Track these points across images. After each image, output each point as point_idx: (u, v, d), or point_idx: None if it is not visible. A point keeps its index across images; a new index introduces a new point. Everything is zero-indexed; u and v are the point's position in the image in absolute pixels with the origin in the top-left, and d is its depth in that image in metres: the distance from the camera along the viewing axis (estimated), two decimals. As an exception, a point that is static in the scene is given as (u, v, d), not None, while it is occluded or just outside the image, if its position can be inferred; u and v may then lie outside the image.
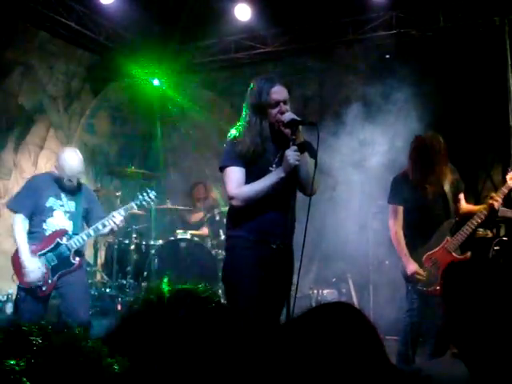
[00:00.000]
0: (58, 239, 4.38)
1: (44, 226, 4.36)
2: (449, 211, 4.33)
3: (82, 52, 7.65)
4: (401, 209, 4.32)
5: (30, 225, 4.38)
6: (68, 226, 4.43)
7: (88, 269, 6.57)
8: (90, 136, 7.88)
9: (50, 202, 4.38)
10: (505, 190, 4.22)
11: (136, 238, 6.78)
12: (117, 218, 4.45)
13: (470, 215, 4.31)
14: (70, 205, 4.46)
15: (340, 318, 1.38)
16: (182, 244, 6.41)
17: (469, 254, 4.23)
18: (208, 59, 7.77)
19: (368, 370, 1.30)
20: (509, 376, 1.72)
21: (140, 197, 4.71)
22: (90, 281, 6.43)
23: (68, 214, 4.44)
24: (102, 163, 8.07)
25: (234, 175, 3.22)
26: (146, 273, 6.42)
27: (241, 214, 3.23)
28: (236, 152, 3.22)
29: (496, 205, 4.17)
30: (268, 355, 1.35)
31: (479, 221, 4.24)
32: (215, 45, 7.64)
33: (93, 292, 6.42)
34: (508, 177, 4.24)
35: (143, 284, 6.39)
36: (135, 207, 4.67)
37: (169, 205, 6.93)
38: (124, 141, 8.39)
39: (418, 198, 4.24)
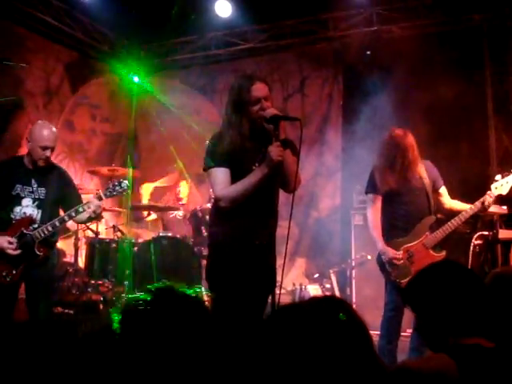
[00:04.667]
0: (23, 228, 4.13)
1: (11, 215, 4.16)
2: (430, 206, 4.36)
3: (60, 48, 7.55)
4: (379, 198, 4.33)
5: None
6: (36, 214, 4.21)
7: (69, 268, 6.52)
8: (69, 133, 7.79)
9: (17, 189, 4.17)
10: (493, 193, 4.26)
11: (117, 236, 6.72)
12: (93, 203, 4.17)
13: (455, 212, 4.35)
14: (41, 191, 4.23)
15: (329, 311, 1.36)
16: (164, 242, 6.37)
17: (444, 253, 4.26)
18: (188, 55, 7.73)
19: (356, 366, 1.29)
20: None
21: (111, 186, 4.38)
22: (69, 279, 6.38)
23: (37, 202, 4.22)
24: (81, 161, 7.98)
25: (219, 176, 3.21)
26: (127, 271, 6.36)
27: (223, 211, 3.22)
28: (218, 151, 3.21)
29: (487, 203, 4.21)
30: (253, 346, 1.33)
31: (463, 219, 4.27)
32: (196, 41, 7.61)
33: (74, 291, 6.35)
34: (493, 186, 4.28)
35: (125, 283, 6.33)
36: (103, 197, 4.30)
37: (150, 202, 6.88)
38: (104, 138, 8.32)
39: (395, 189, 4.27)
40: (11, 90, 6.95)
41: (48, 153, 4.20)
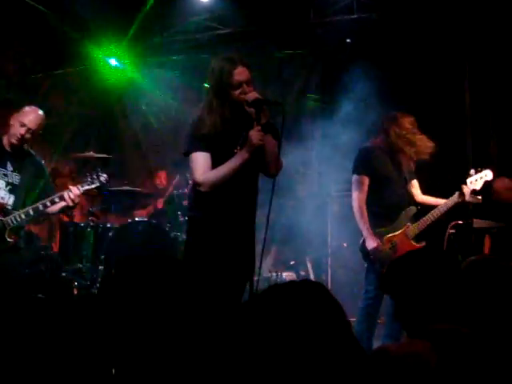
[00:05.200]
0: None
1: None
2: (408, 196, 4.43)
3: (35, 28, 7.39)
4: (367, 180, 4.33)
5: None
6: (7, 198, 4.11)
7: (42, 252, 6.43)
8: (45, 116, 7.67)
9: None
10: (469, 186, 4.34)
11: (92, 220, 6.64)
12: (73, 191, 4.05)
13: (427, 206, 4.43)
14: (15, 177, 4.15)
15: (307, 295, 1.37)
16: (140, 227, 6.31)
17: (424, 243, 4.32)
18: (168, 39, 7.64)
19: (336, 349, 1.30)
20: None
21: (88, 179, 4.26)
22: (43, 264, 6.30)
23: (10, 187, 4.13)
24: (57, 145, 7.86)
25: (200, 161, 3.19)
26: (102, 256, 6.30)
27: (203, 195, 3.20)
28: (199, 135, 3.19)
29: (466, 196, 4.30)
30: (231, 332, 1.33)
31: (442, 212, 4.35)
32: (175, 25, 7.51)
33: (48, 276, 6.27)
34: (468, 180, 4.37)
35: (100, 268, 6.27)
36: (81, 191, 4.18)
37: (127, 187, 6.81)
38: (81, 122, 8.19)
39: (386, 174, 4.29)
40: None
41: (23, 131, 4.10)
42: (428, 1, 6.35)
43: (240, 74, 3.19)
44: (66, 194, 4.06)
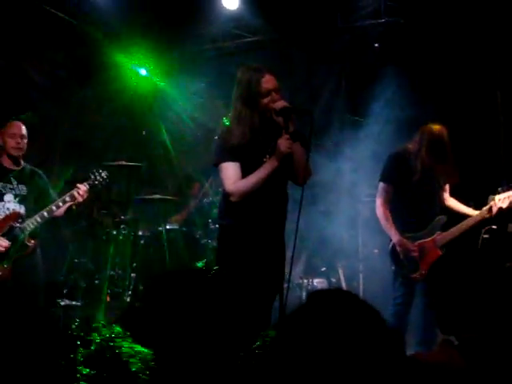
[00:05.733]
0: (12, 222, 4.30)
1: None
2: (440, 203, 4.39)
3: (68, 42, 7.53)
4: (390, 188, 4.33)
5: None
6: (19, 209, 4.38)
7: (76, 260, 6.54)
8: (77, 127, 7.78)
9: None
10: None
11: (124, 228, 6.72)
12: (81, 188, 4.41)
13: (453, 211, 4.39)
14: (21, 188, 4.42)
15: (340, 305, 1.30)
16: (171, 234, 6.37)
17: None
18: (196, 49, 7.71)
19: (383, 359, 1.21)
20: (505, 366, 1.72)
21: (92, 177, 4.62)
22: (76, 272, 6.41)
23: (18, 198, 4.40)
24: (89, 156, 7.97)
25: (230, 171, 3.22)
26: (135, 264, 6.38)
27: (233, 204, 3.22)
28: (228, 145, 3.21)
29: (494, 213, 4.24)
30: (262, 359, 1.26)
31: (470, 225, 4.30)
32: (203, 34, 7.57)
33: (81, 284, 6.38)
34: (497, 198, 4.30)
35: (132, 275, 6.35)
36: (87, 187, 4.52)
37: (158, 195, 6.87)
38: (112, 132, 8.31)
39: (416, 182, 4.26)
40: (18, 82, 6.95)
41: (18, 139, 4.41)
42: (456, 3, 6.28)
43: (268, 82, 3.22)
44: (75, 192, 4.40)
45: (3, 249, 4.22)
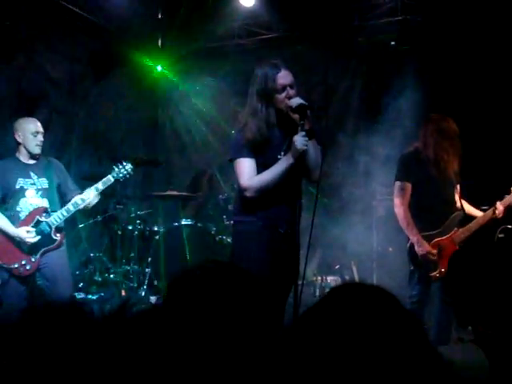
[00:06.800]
0: (38, 217, 4.34)
1: (17, 208, 4.34)
2: (456, 200, 4.36)
3: (85, 37, 7.59)
4: (409, 186, 4.30)
5: (4, 209, 4.35)
6: (42, 203, 4.40)
7: (91, 254, 6.61)
8: (93, 122, 7.84)
9: (20, 182, 4.36)
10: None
11: (139, 224, 6.77)
12: (91, 193, 4.42)
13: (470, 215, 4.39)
14: (42, 182, 4.43)
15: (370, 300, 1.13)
16: (186, 230, 6.41)
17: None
18: (211, 45, 7.72)
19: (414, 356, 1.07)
20: None
21: (116, 169, 4.59)
22: (92, 266, 6.47)
23: (40, 192, 4.41)
24: (104, 150, 8.03)
25: (245, 167, 3.22)
26: (150, 259, 6.42)
27: (248, 200, 3.23)
28: (243, 141, 3.22)
29: (498, 213, 4.23)
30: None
31: (481, 223, 4.30)
32: (219, 31, 7.58)
33: (96, 278, 6.44)
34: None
35: (147, 270, 6.39)
36: (112, 180, 4.56)
37: (172, 191, 6.90)
38: (127, 127, 8.36)
39: (431, 178, 4.24)
40: (35, 77, 7.01)
41: (40, 137, 4.45)
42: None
43: (284, 77, 3.22)
44: (100, 185, 4.46)
45: (31, 241, 4.26)
